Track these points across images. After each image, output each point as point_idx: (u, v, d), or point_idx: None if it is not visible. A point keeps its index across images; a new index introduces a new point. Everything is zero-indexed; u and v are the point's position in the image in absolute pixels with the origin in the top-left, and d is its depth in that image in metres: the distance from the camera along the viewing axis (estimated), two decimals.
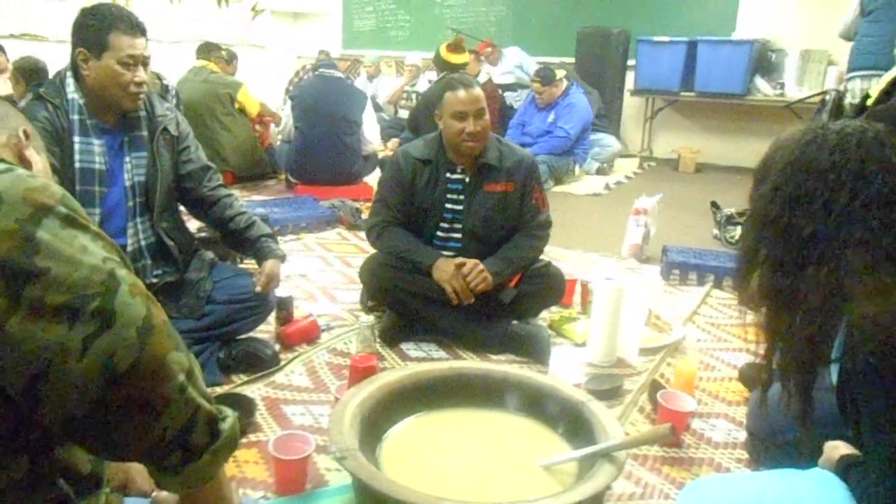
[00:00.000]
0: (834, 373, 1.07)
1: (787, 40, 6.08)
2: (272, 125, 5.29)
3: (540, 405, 1.66)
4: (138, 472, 1.21)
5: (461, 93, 2.34)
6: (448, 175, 2.44)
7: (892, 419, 0.95)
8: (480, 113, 2.35)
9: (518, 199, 2.45)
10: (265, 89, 6.33)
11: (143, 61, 1.92)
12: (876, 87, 3.39)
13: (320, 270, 3.20)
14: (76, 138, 1.90)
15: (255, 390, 2.02)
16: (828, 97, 3.28)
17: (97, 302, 0.83)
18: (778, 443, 1.58)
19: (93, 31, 1.87)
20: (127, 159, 1.99)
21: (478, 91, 2.38)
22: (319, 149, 4.27)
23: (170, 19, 7.07)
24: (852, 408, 1.03)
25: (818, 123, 1.11)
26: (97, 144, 1.93)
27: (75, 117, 1.90)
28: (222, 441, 0.99)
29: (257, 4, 8.13)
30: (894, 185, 1.00)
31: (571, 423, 1.58)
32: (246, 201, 4.11)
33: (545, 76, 5.35)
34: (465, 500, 1.26)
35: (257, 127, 5.20)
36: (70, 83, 1.92)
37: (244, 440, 1.77)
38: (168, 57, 5.99)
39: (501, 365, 2.09)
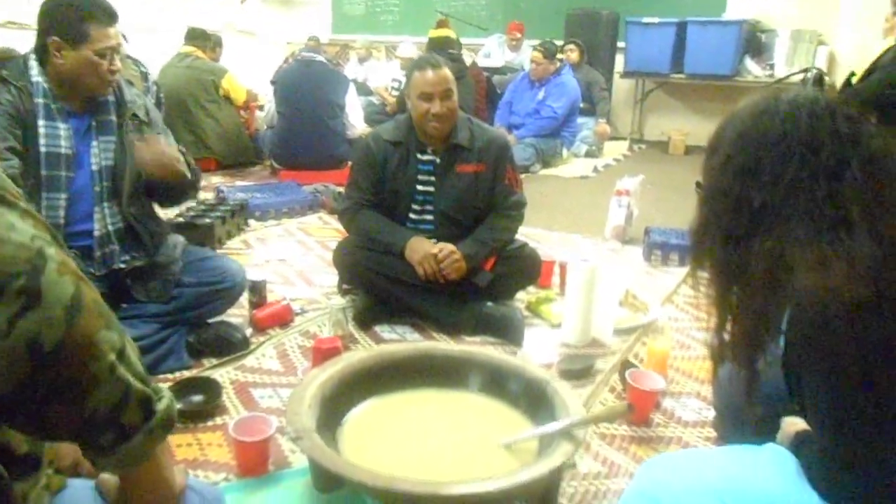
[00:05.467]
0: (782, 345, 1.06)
1: (777, 20, 6.04)
2: (258, 111, 5.26)
3: (504, 385, 1.65)
4: None
5: (428, 73, 2.32)
6: (419, 156, 2.42)
7: (829, 391, 0.94)
8: (447, 94, 2.33)
9: (490, 179, 2.44)
10: (254, 76, 6.28)
11: (117, 49, 1.92)
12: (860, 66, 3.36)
13: (299, 255, 3.18)
14: (41, 122, 1.88)
15: (223, 374, 2.01)
16: (808, 75, 3.25)
17: (22, 281, 0.82)
18: (741, 419, 1.57)
19: (69, 22, 1.85)
20: (94, 143, 1.97)
21: (445, 72, 2.35)
22: (302, 133, 4.24)
23: (157, 5, 7.01)
24: (795, 380, 1.02)
25: (772, 94, 1.09)
26: (63, 128, 1.91)
27: (40, 100, 1.88)
28: (156, 421, 0.98)
29: None
30: (842, 156, 0.98)
31: (534, 402, 1.57)
32: (228, 187, 4.11)
33: (549, 49, 5.37)
34: (418, 478, 1.25)
35: (243, 113, 5.17)
36: (34, 66, 1.90)
37: (209, 423, 1.76)
38: (154, 44, 5.94)
39: (468, 345, 2.08)
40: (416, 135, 2.42)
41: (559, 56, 5.56)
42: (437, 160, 2.42)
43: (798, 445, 1.10)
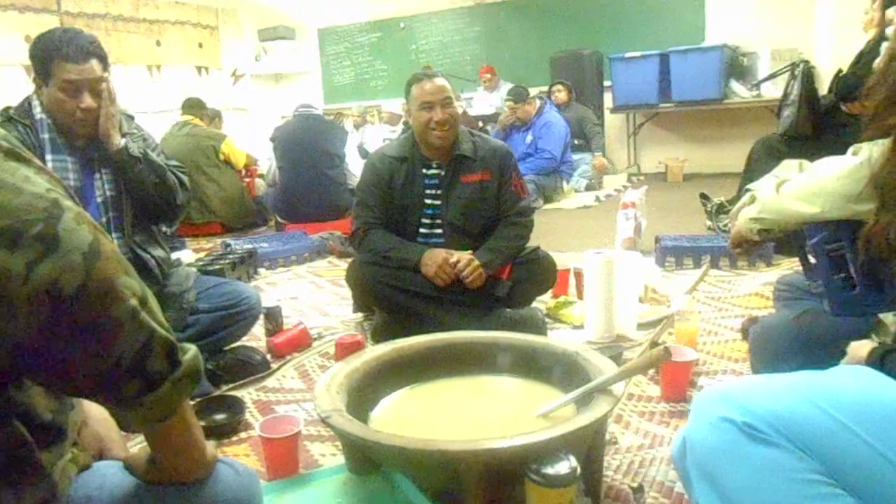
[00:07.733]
0: None
1: (755, 43, 6.18)
2: (258, 179, 5.34)
3: (533, 363, 1.60)
4: (113, 440, 1.16)
5: (426, 84, 2.35)
6: (424, 171, 2.43)
7: None
8: (447, 102, 2.35)
9: (496, 187, 2.44)
10: (251, 147, 6.40)
11: (91, 86, 1.84)
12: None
13: (312, 292, 3.16)
14: (49, 156, 1.89)
15: (245, 395, 1.96)
16: (797, 69, 3.31)
17: (39, 227, 0.81)
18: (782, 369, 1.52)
19: (39, 59, 1.83)
20: (97, 176, 1.97)
21: (442, 82, 2.38)
22: (305, 185, 4.28)
23: (151, 90, 7.22)
24: None
25: None
26: (70, 161, 1.92)
27: (46, 136, 1.90)
28: (183, 370, 0.95)
29: (237, 70, 8.31)
30: None
31: (566, 373, 1.52)
32: (236, 241, 4.13)
33: (517, 94, 5.46)
34: (456, 439, 1.20)
35: (245, 179, 5.25)
36: (36, 104, 1.93)
37: (234, 437, 1.71)
38: (153, 126, 6.09)
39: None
40: (419, 150, 2.44)
41: (533, 96, 5.65)
42: (442, 172, 2.42)
43: (882, 358, 1.03)
